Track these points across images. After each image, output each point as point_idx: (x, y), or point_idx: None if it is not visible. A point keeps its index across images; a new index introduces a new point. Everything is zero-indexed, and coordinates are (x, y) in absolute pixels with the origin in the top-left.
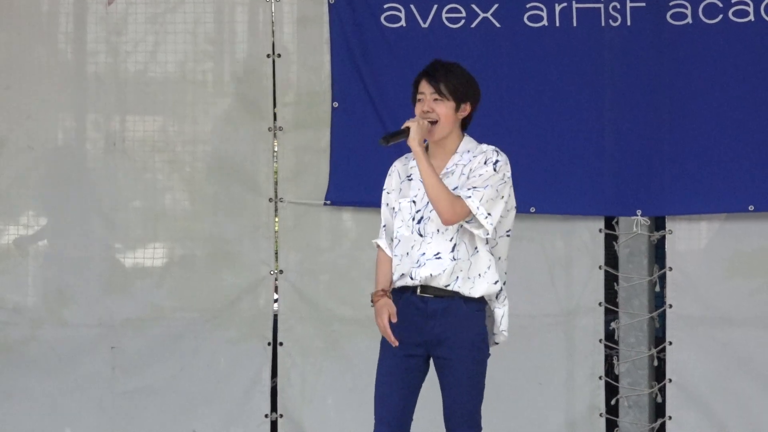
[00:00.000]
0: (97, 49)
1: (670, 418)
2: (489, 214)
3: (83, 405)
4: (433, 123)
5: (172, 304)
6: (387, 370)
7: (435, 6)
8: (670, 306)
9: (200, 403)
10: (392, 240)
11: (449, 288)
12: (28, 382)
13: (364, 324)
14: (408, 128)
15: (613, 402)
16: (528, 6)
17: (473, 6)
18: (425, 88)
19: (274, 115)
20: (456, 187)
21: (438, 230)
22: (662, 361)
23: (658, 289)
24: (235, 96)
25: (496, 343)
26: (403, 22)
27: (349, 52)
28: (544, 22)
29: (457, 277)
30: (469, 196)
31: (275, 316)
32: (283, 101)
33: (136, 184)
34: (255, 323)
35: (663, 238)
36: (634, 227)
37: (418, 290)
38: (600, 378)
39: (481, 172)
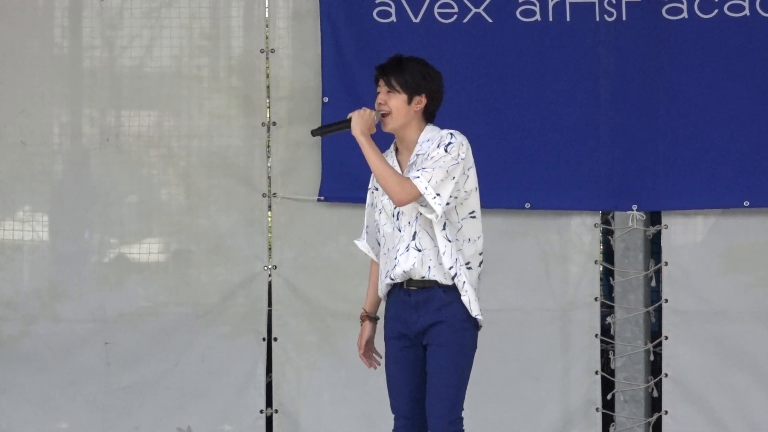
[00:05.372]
0: (92, 44)
1: (666, 412)
2: (438, 194)
3: (77, 400)
4: (386, 115)
5: (166, 299)
6: (392, 364)
7: (427, 1)
8: (666, 301)
9: (195, 398)
10: (377, 242)
11: (426, 278)
12: (21, 377)
13: (358, 319)
14: (350, 119)
15: (609, 397)
16: (520, 1)
17: (465, 1)
18: (380, 82)
19: (268, 110)
20: (417, 177)
21: (408, 222)
22: (658, 356)
23: (653, 283)
24: (230, 91)
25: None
26: (393, 18)
27: (339, 47)
28: (537, 17)
29: (429, 267)
30: (417, 177)
31: (269, 312)
32: (276, 96)
33: (131, 179)
34: (249, 318)
35: (659, 232)
36: (629, 222)
37: (405, 284)
38: (596, 373)
39: (432, 154)
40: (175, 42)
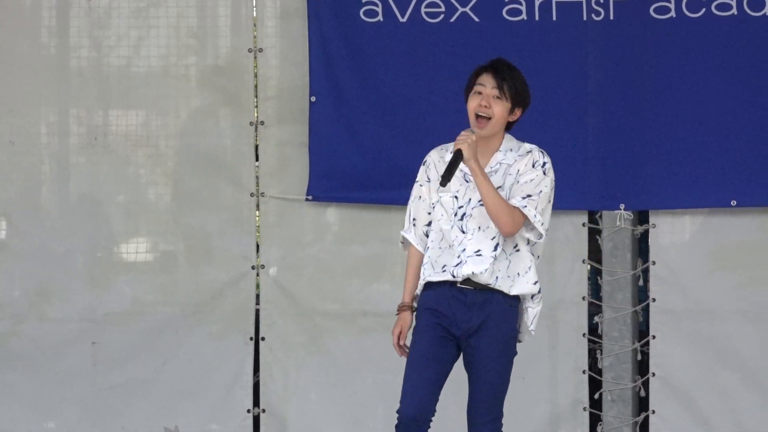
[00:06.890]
0: (79, 44)
1: (653, 411)
2: (543, 221)
3: (65, 400)
4: (486, 119)
5: (153, 299)
6: (419, 350)
7: (413, 1)
8: (654, 300)
9: (182, 397)
10: (424, 235)
11: (490, 286)
12: (9, 377)
13: (346, 319)
14: (460, 151)
15: (596, 396)
16: (507, 0)
17: (452, 0)
18: (488, 81)
19: (256, 109)
20: (500, 186)
21: (479, 227)
22: (646, 355)
23: (641, 283)
24: (217, 90)
25: (520, 341)
26: (380, 17)
27: (326, 46)
28: (523, 16)
29: (497, 277)
30: (525, 206)
31: (257, 311)
32: (264, 96)
33: (118, 178)
34: (237, 318)
35: (646, 232)
36: (617, 221)
37: (458, 283)
38: (583, 372)
39: (531, 176)
40: (163, 41)
